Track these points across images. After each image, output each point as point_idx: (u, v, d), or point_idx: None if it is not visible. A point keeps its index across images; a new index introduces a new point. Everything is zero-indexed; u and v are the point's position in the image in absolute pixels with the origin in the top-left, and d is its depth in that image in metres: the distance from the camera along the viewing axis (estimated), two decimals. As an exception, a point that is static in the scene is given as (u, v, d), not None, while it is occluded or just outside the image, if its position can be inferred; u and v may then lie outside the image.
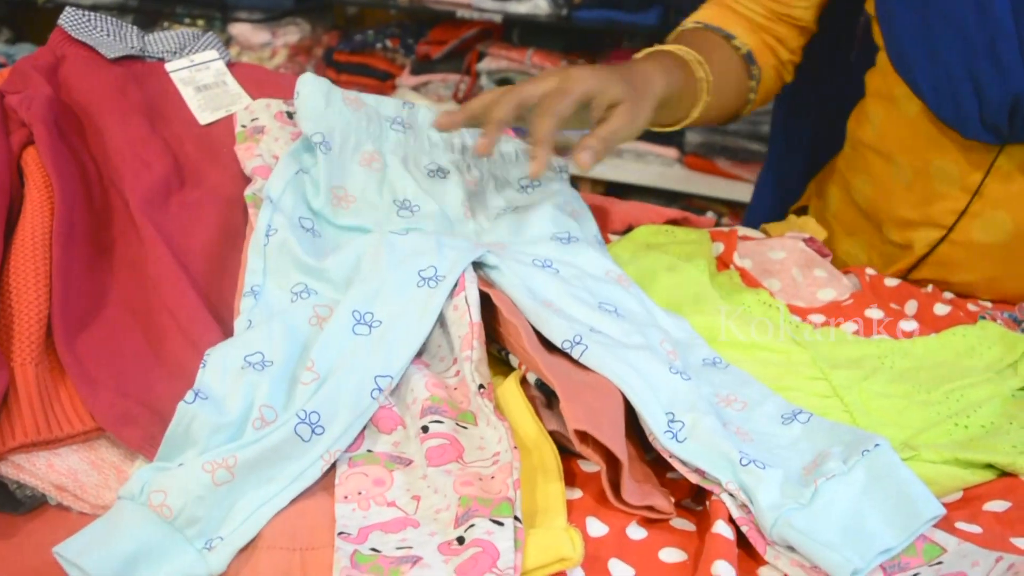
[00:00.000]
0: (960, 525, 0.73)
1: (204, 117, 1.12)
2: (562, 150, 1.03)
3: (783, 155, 1.63)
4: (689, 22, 1.32)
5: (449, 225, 0.98)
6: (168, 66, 1.16)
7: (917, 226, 1.23)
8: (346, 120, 1.01)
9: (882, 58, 1.23)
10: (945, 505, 0.75)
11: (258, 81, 1.20)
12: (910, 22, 1.11)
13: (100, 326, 0.87)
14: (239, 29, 3.68)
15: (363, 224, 0.96)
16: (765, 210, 1.61)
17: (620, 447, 0.70)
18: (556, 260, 0.93)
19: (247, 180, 1.01)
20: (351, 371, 0.78)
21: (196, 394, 0.75)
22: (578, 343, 0.80)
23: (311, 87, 1.02)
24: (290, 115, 1.05)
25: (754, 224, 1.31)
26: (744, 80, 1.28)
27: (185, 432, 0.74)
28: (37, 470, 0.75)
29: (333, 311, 0.83)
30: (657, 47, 1.20)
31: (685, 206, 3.23)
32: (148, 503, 0.68)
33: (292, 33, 3.69)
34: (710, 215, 3.15)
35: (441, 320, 0.85)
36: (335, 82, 3.64)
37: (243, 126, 1.05)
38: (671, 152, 3.23)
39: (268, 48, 3.68)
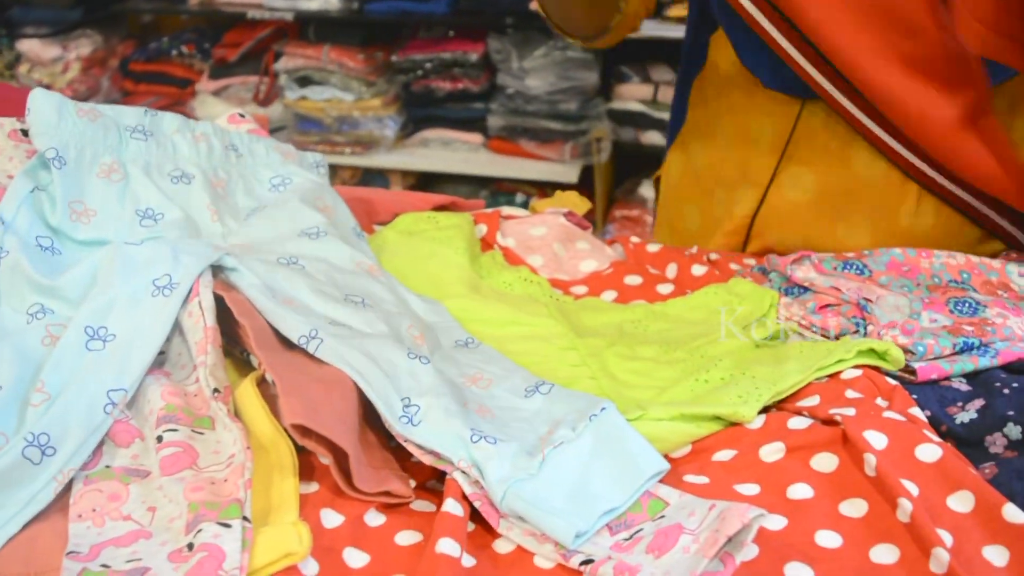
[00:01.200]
0: (688, 478, 0.76)
1: (-60, 142, 1.08)
2: None
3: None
4: None
5: (196, 230, 0.97)
6: (-99, 91, 1.12)
7: (738, 186, 1.26)
8: (81, 132, 0.99)
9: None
10: (675, 460, 0.79)
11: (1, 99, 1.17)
12: None
13: None
14: (28, 45, 3.56)
15: (104, 237, 0.94)
16: None
17: (345, 437, 0.71)
18: (303, 256, 0.94)
19: (-16, 203, 0.98)
20: (82, 388, 0.77)
21: (-80, 427, 0.73)
22: (314, 337, 0.80)
23: (42, 102, 0.99)
24: (25, 132, 1.03)
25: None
26: None
27: (-88, 467, 0.71)
28: None
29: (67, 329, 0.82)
30: None
31: (495, 190, 3.27)
32: None
33: (84, 46, 3.59)
34: (519, 196, 3.19)
35: (180, 328, 0.84)
36: (133, 92, 3.53)
37: (-23, 148, 1.02)
38: (476, 138, 3.26)
39: (60, 63, 3.57)
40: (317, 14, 3.21)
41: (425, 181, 3.34)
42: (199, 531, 0.66)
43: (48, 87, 3.56)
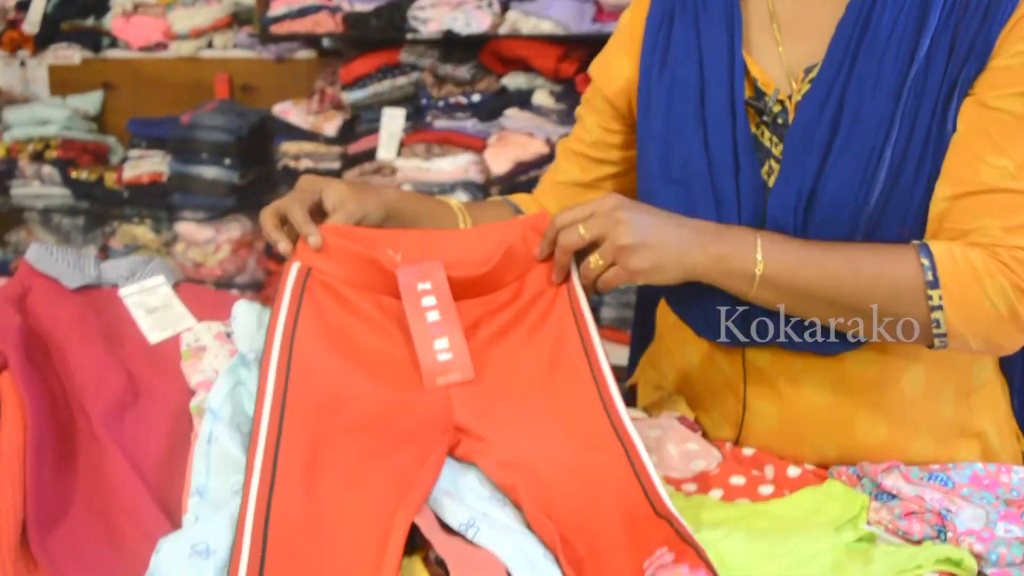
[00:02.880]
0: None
1: (154, 336, 1.29)
2: None
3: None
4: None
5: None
6: (122, 291, 1.34)
7: (711, 410, 1.41)
8: (274, 338, 1.19)
9: None
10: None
11: (199, 299, 1.38)
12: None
13: (67, 526, 1.03)
14: (185, 227, 3.88)
15: (291, 425, 1.12)
16: None
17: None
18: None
19: (192, 392, 1.18)
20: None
21: (150, 577, 0.90)
22: (472, 526, 0.96)
23: (245, 312, 1.20)
24: (228, 335, 1.23)
25: None
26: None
27: (140, 613, 0.88)
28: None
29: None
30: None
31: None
32: None
33: (234, 229, 3.89)
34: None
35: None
36: (275, 272, 3.80)
37: (188, 346, 1.22)
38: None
39: (212, 244, 3.87)
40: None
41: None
42: None
43: (200, 265, 3.88)
